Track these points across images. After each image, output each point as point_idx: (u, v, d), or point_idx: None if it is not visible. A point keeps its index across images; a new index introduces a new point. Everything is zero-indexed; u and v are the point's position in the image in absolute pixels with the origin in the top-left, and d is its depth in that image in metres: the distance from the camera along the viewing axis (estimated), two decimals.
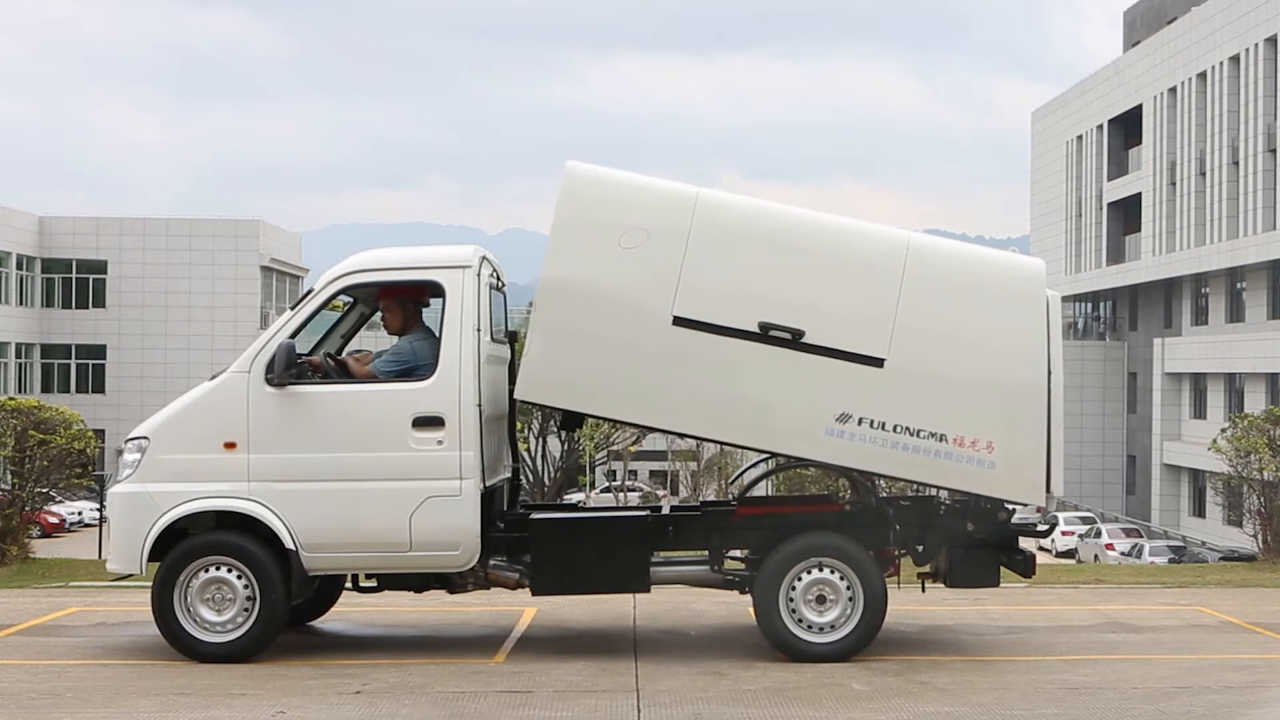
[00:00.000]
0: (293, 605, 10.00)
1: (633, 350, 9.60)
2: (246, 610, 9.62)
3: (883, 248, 9.88)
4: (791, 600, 9.74)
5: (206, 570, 9.63)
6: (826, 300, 9.64)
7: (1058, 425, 9.93)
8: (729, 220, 9.82)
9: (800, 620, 9.74)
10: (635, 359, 9.60)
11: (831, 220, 10.05)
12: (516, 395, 9.94)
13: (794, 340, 9.53)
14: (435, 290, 9.88)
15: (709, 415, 9.74)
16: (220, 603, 9.63)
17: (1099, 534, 44.83)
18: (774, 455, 10.17)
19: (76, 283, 64.84)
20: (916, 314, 9.63)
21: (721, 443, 9.99)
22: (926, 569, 10.53)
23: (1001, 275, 9.98)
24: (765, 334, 9.52)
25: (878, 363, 9.55)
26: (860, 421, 9.55)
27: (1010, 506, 10.07)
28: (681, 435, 9.97)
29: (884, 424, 9.54)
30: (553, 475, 57.25)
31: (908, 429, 9.55)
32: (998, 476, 9.64)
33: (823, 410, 9.56)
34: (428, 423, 9.57)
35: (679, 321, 9.54)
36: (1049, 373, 9.85)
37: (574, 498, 51.62)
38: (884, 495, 10.39)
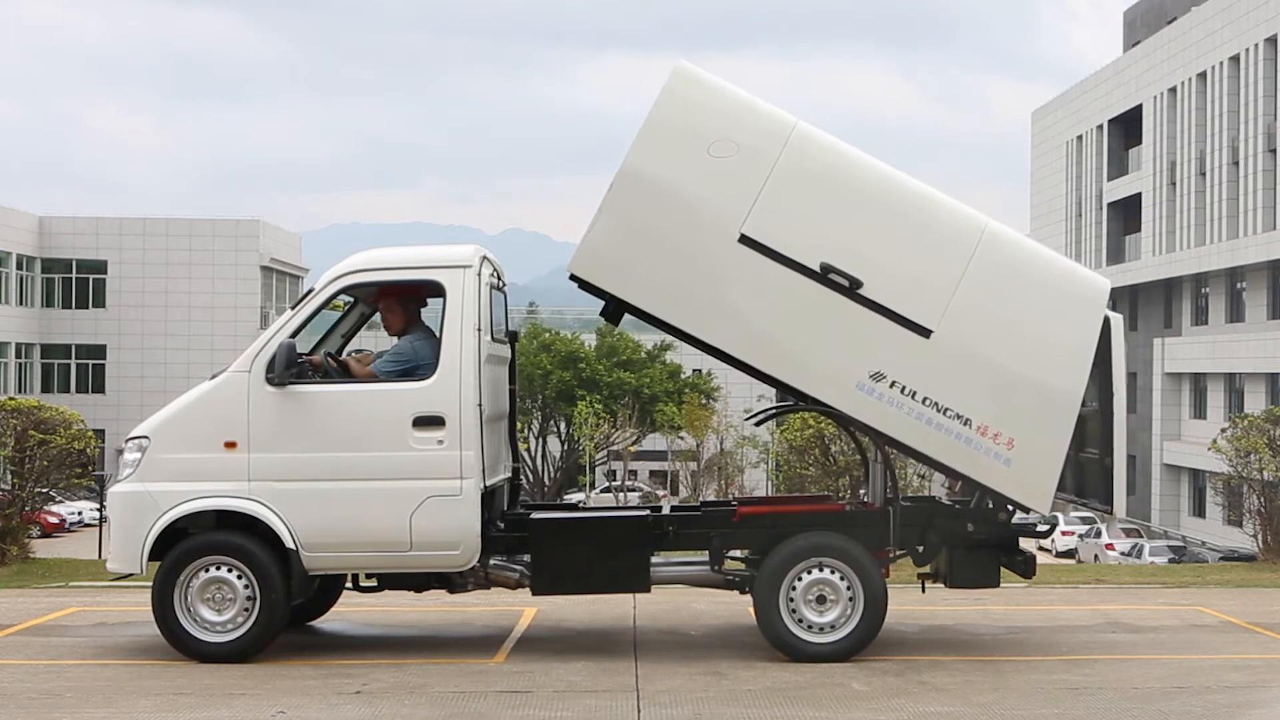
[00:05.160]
0: (293, 605, 10.00)
1: (692, 255, 9.60)
2: (246, 610, 9.62)
3: (960, 224, 9.89)
4: (792, 600, 9.73)
5: (207, 570, 9.62)
6: (892, 259, 9.65)
7: (1120, 448, 10.03)
8: (818, 157, 9.82)
9: (800, 620, 9.73)
10: (692, 264, 9.61)
11: (917, 185, 10.03)
12: (569, 268, 9.84)
13: (850, 289, 9.53)
14: (435, 290, 9.88)
15: (748, 338, 9.73)
16: (220, 602, 9.62)
17: (1099, 534, 44.82)
18: (798, 397, 10.12)
19: (76, 283, 64.87)
20: (975, 296, 9.64)
21: (750, 368, 9.92)
22: (926, 569, 10.53)
23: (1065, 281, 10.00)
24: (824, 275, 9.52)
25: (925, 332, 9.55)
26: (893, 384, 9.55)
27: (1010, 507, 10.05)
28: (715, 351, 9.90)
29: (915, 393, 9.55)
30: (553, 475, 57.34)
31: (936, 404, 9.55)
32: (1010, 474, 9.63)
33: (860, 363, 9.57)
34: (428, 422, 9.57)
35: (744, 240, 9.53)
36: (1112, 395, 9.99)
37: (574, 498, 51.64)
38: (893, 490, 10.34)
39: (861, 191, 9.81)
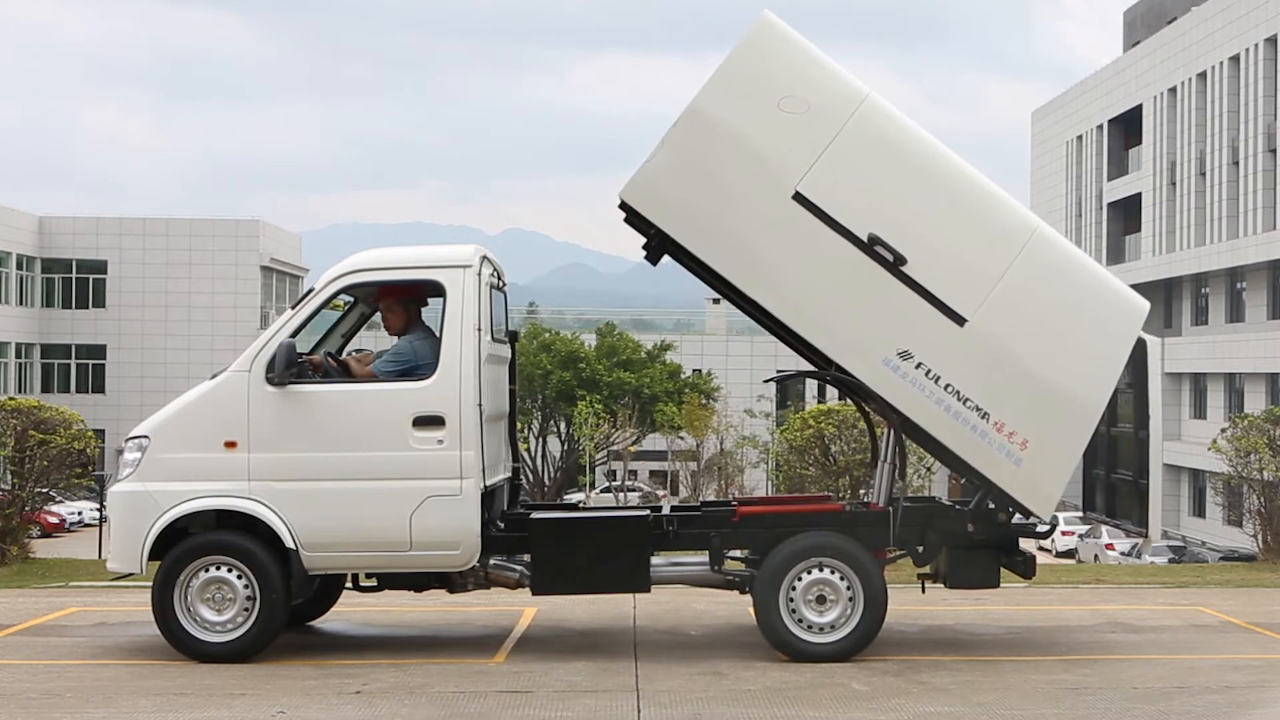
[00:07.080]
0: (293, 605, 10.00)
1: (743, 203, 9.66)
2: (246, 610, 9.62)
3: (1013, 220, 9.95)
4: (791, 600, 9.73)
5: (207, 570, 9.63)
6: (941, 243, 9.68)
7: (1156, 470, 10.07)
8: (885, 129, 9.86)
9: (800, 620, 9.73)
10: (742, 211, 9.66)
11: (977, 175, 10.06)
12: (621, 194, 9.84)
13: (893, 264, 9.56)
14: (436, 290, 9.88)
15: (785, 294, 9.75)
16: (220, 602, 9.62)
17: (1099, 534, 44.83)
18: (824, 363, 10.08)
19: (76, 283, 64.86)
20: (1016, 293, 9.67)
21: (780, 325, 9.97)
22: (926, 569, 10.53)
23: (1106, 293, 10.01)
24: (870, 246, 9.55)
25: (960, 320, 9.58)
26: (919, 365, 9.58)
27: (1010, 509, 10.03)
28: (748, 303, 9.90)
29: (939, 378, 9.57)
30: (553, 475, 57.32)
31: (958, 393, 9.57)
32: (1018, 475, 9.63)
33: (890, 339, 9.61)
34: (428, 422, 9.57)
35: (798, 198, 9.57)
36: (1147, 418, 10.06)
37: (574, 498, 51.61)
38: (899, 489, 10.33)
39: (922, 171, 9.84)
